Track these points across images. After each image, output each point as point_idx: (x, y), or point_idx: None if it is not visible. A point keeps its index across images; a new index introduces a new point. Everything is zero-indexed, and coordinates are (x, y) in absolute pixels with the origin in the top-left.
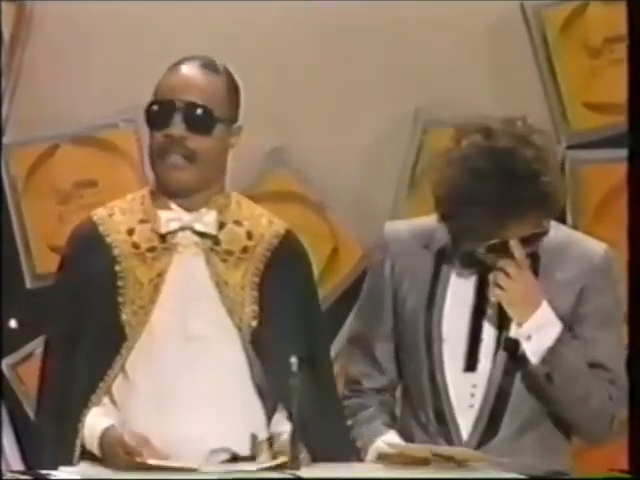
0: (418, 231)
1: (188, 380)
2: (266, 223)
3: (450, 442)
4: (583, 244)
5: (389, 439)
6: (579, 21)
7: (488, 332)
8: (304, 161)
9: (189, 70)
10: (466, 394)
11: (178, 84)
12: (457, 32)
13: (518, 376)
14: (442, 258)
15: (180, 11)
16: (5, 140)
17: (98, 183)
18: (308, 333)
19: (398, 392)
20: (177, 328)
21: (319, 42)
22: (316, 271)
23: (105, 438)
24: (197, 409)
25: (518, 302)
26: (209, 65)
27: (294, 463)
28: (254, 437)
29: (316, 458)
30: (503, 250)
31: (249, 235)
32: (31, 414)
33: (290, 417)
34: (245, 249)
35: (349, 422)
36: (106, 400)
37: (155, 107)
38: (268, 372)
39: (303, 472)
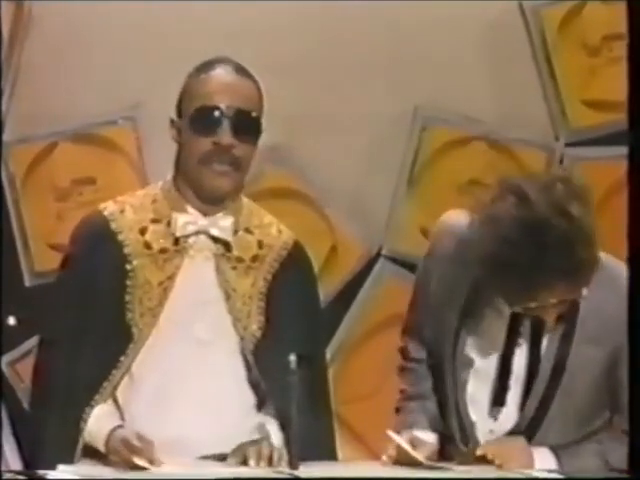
0: (462, 245)
1: (189, 383)
2: (275, 233)
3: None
4: (624, 282)
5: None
6: (577, 20)
7: (518, 367)
8: (303, 159)
9: (227, 75)
10: (486, 429)
11: (220, 89)
12: (456, 31)
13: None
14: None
15: (179, 9)
16: (4, 138)
17: (97, 180)
18: (308, 344)
19: None
20: (183, 331)
21: (318, 41)
22: (315, 269)
23: (112, 437)
24: (194, 412)
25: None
26: (241, 69)
27: (292, 463)
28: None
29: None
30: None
31: (260, 244)
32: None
33: (282, 425)
34: (255, 258)
35: (402, 387)
36: (110, 399)
37: (200, 112)
38: (265, 379)
39: (302, 472)
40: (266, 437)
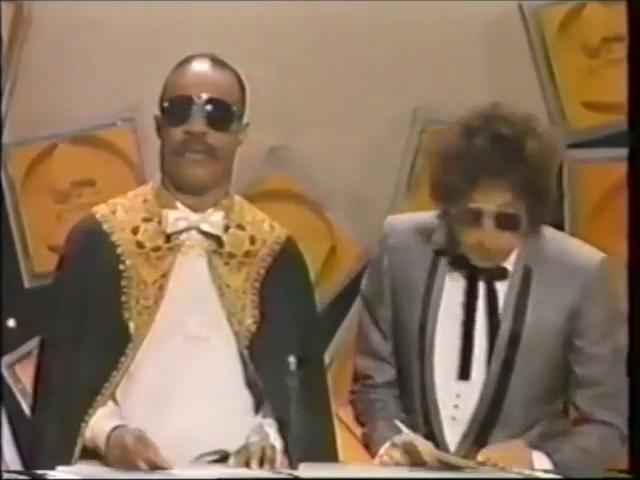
0: (418, 226)
1: (185, 380)
2: (268, 228)
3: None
4: (578, 255)
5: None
6: (577, 21)
7: (479, 343)
8: (303, 160)
9: (201, 67)
10: (450, 405)
11: (193, 80)
12: (455, 32)
13: (511, 388)
14: (439, 259)
15: (179, 10)
16: (3, 140)
17: (96, 182)
18: (304, 339)
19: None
20: (178, 328)
21: (318, 41)
22: (314, 270)
23: (113, 437)
24: (192, 409)
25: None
26: (218, 62)
27: (292, 463)
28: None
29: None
30: (475, 219)
31: (252, 240)
32: (29, 413)
33: (280, 425)
34: (248, 253)
35: (363, 417)
36: (110, 400)
37: (172, 103)
38: (262, 376)
39: (301, 472)
40: (266, 438)
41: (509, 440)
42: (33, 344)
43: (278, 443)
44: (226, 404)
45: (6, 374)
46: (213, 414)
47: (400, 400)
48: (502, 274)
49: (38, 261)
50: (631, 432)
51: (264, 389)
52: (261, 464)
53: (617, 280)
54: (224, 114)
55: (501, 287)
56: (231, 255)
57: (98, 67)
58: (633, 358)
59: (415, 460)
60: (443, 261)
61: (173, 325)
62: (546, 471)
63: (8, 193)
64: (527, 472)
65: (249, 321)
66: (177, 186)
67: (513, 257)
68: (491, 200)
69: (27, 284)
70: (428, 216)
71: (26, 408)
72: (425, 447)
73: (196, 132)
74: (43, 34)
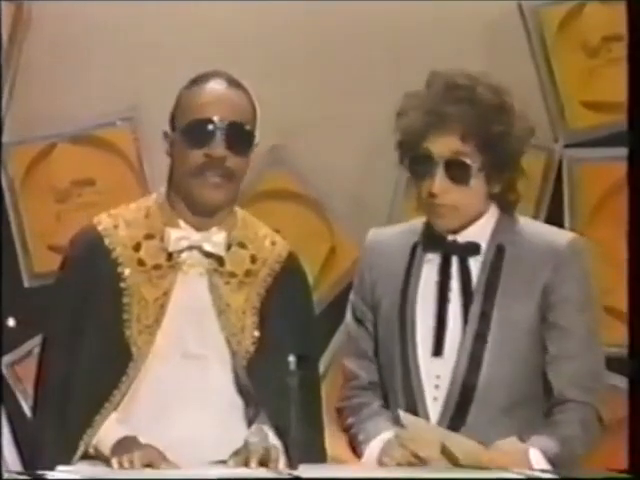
0: (399, 231)
1: (186, 400)
2: (269, 246)
3: None
4: (549, 235)
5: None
6: (577, 20)
7: (454, 320)
8: (302, 160)
9: (219, 87)
10: (431, 386)
11: (212, 101)
12: (455, 31)
13: (486, 365)
14: (416, 250)
15: (178, 11)
16: (3, 139)
17: (96, 182)
18: (302, 361)
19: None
20: (179, 348)
21: (317, 41)
22: (313, 270)
23: (123, 446)
24: (189, 425)
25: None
26: (234, 82)
27: (292, 463)
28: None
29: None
30: (427, 167)
31: (253, 259)
32: (29, 413)
33: (277, 431)
34: (248, 272)
35: (351, 420)
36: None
37: (192, 125)
38: (258, 396)
39: (302, 472)
40: (266, 439)
41: (492, 417)
42: (33, 343)
43: (278, 444)
44: (223, 422)
45: (6, 374)
46: (210, 432)
47: (384, 400)
48: (474, 249)
49: (38, 261)
50: (631, 432)
51: (261, 402)
52: (262, 464)
53: (588, 258)
54: (244, 138)
55: (474, 264)
56: (232, 274)
57: (97, 67)
58: (633, 358)
59: (419, 449)
60: (420, 249)
61: (173, 343)
62: (544, 471)
63: (8, 193)
64: (528, 472)
65: (248, 342)
66: (189, 206)
67: (487, 234)
68: (443, 147)
69: (27, 283)
70: (410, 222)
71: (26, 408)
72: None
73: (217, 156)
74: (42, 34)
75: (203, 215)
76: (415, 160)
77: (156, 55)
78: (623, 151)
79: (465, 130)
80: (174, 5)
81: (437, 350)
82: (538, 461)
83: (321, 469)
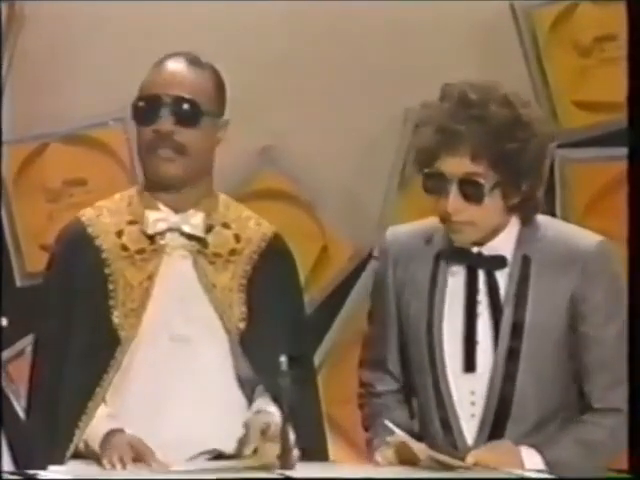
0: (417, 233)
1: (175, 382)
2: (254, 225)
3: (457, 450)
4: (575, 240)
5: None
6: (569, 20)
7: (484, 334)
8: (294, 160)
9: (174, 65)
10: (467, 402)
11: (164, 79)
12: (447, 32)
13: (520, 379)
14: (439, 259)
15: (171, 10)
16: None
17: (88, 182)
18: (293, 333)
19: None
20: (166, 330)
21: (310, 42)
22: (306, 270)
23: (110, 441)
24: (183, 410)
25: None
26: (194, 60)
27: (286, 461)
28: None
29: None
30: (441, 185)
31: (237, 238)
32: (21, 413)
33: (280, 408)
34: (233, 251)
35: (367, 422)
36: (102, 403)
37: (142, 103)
38: (256, 371)
39: (292, 472)
40: (271, 416)
41: (527, 431)
42: (25, 343)
43: (278, 415)
44: (218, 402)
45: None
46: (205, 413)
47: (406, 405)
48: (501, 262)
49: (30, 260)
50: (631, 432)
51: (261, 382)
52: (264, 437)
53: (617, 262)
54: (192, 111)
55: (501, 277)
56: (216, 254)
57: (90, 67)
58: (633, 358)
59: (408, 459)
60: (443, 260)
61: (159, 326)
62: (538, 471)
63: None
64: (519, 472)
65: (237, 318)
66: (153, 184)
67: (511, 246)
68: (454, 167)
69: (19, 283)
70: (426, 222)
71: (18, 407)
72: (419, 446)
73: (164, 130)
74: (35, 34)
75: (167, 190)
76: (429, 177)
77: (149, 55)
78: (616, 151)
79: (475, 150)
80: (168, 5)
81: (469, 366)
82: (532, 459)
83: (317, 469)
